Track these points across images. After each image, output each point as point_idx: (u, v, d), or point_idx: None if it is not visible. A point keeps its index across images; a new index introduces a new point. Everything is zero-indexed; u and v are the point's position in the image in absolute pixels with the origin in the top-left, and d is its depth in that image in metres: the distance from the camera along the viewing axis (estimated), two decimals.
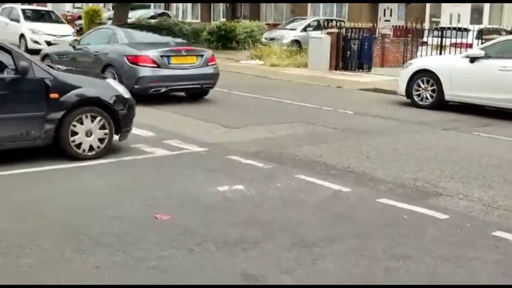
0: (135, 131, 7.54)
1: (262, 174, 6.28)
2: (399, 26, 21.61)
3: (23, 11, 22.27)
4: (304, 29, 24.06)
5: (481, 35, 16.05)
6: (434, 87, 11.16)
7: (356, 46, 17.41)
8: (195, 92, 11.71)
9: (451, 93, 10.99)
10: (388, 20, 27.21)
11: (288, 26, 25.38)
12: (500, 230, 4.79)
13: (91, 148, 6.68)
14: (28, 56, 6.60)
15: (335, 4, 29.22)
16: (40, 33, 20.83)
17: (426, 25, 21.52)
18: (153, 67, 10.68)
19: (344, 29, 18.19)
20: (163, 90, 10.90)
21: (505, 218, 5.12)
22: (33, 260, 3.98)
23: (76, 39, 13.18)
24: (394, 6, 27.77)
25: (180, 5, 36.21)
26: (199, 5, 34.98)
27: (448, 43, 15.90)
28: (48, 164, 6.35)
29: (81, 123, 6.62)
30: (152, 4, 37.29)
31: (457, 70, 10.95)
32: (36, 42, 20.41)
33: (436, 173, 6.50)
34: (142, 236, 4.42)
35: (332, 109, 10.95)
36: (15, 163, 6.28)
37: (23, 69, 6.23)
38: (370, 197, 5.62)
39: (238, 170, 6.40)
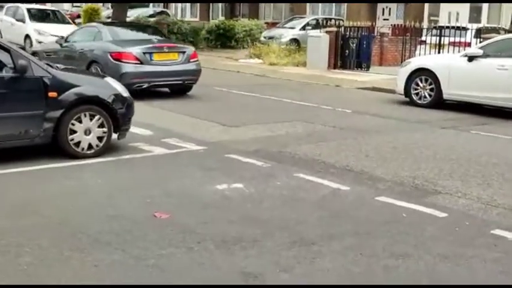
0: (133, 129, 7.54)
1: (262, 173, 6.28)
2: (398, 25, 21.62)
3: (29, 10, 21.67)
4: (303, 28, 24.07)
5: (479, 33, 16.05)
6: (433, 86, 11.16)
7: (355, 45, 17.42)
8: (178, 88, 12.00)
9: (449, 92, 11.00)
10: (387, 19, 27.22)
11: (286, 25, 25.39)
12: (499, 228, 4.80)
13: (90, 147, 6.68)
14: (27, 54, 6.61)
15: (334, 3, 29.23)
16: (46, 34, 20.49)
17: (425, 24, 21.57)
18: (135, 63, 11.04)
19: (343, 28, 18.17)
20: (145, 86, 11.13)
21: (503, 216, 5.12)
22: (32, 258, 3.98)
23: (62, 37, 13.40)
24: (393, 5, 27.79)
25: (179, 3, 36.18)
26: (198, 3, 34.97)
27: (446, 42, 15.90)
28: (46, 163, 6.35)
29: (80, 121, 6.61)
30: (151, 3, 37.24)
31: (455, 69, 10.95)
32: (41, 43, 20.26)
33: (435, 172, 6.51)
34: (141, 235, 4.42)
35: (331, 108, 10.95)
36: (14, 162, 6.27)
37: (22, 68, 6.23)
38: (369, 195, 5.62)
39: (237, 169, 6.40)
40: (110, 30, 12.36)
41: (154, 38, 12.43)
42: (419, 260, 4.14)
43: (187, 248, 4.21)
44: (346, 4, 28.55)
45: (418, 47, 16.90)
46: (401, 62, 14.66)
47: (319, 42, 17.49)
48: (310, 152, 7.28)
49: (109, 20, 22.51)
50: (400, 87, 11.72)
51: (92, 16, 26.38)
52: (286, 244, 4.33)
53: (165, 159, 6.83)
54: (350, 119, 9.96)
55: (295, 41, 23.14)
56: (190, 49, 12.21)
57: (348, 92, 13.80)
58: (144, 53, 11.15)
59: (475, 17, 24.38)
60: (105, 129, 6.76)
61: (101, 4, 31.46)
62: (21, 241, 4.23)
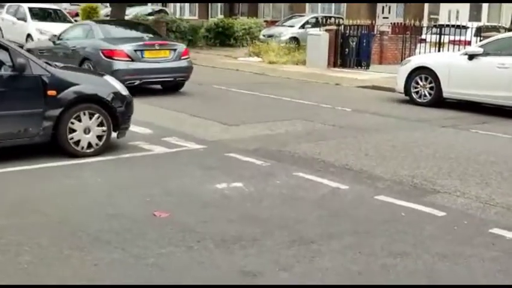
0: (133, 128, 7.54)
1: (261, 172, 6.28)
2: (398, 23, 21.61)
3: (30, 9, 21.42)
4: (303, 26, 24.05)
5: (479, 32, 16.04)
6: (433, 84, 11.16)
7: (354, 43, 17.40)
8: (170, 85, 12.14)
9: (449, 91, 11.00)
10: (387, 17, 27.19)
11: (286, 23, 25.36)
12: (498, 227, 4.80)
13: (89, 145, 6.68)
14: (25, 53, 6.60)
15: (333, 3, 29.21)
16: (47, 33, 20.40)
17: (425, 22, 21.53)
18: (127, 61, 11.22)
19: (342, 26, 18.16)
20: (137, 83, 11.26)
21: (502, 216, 5.13)
22: (32, 257, 3.98)
23: (55, 35, 13.58)
24: (393, 3, 27.75)
25: (178, 3, 36.16)
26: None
27: (446, 40, 15.89)
28: (46, 161, 6.35)
29: (79, 120, 6.62)
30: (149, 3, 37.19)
31: (455, 67, 10.95)
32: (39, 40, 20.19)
33: (434, 170, 6.52)
34: (141, 234, 4.43)
35: (330, 106, 10.95)
36: (14, 160, 6.27)
37: (20, 66, 6.23)
38: (368, 194, 5.63)
39: (237, 168, 6.41)
40: (102, 28, 12.57)
41: (145, 35, 12.60)
42: (417, 258, 4.15)
43: (187, 247, 4.22)
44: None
45: (418, 45, 16.88)
46: (401, 60, 14.66)
47: (319, 40, 17.48)
48: (309, 150, 7.28)
49: (108, 19, 22.49)
50: (400, 85, 11.72)
51: (90, 14, 26.35)
52: (285, 243, 4.34)
53: (165, 158, 6.83)
54: (350, 117, 9.96)
55: (294, 39, 23.12)
56: (181, 46, 12.38)
57: (347, 90, 13.80)
58: (135, 51, 11.35)
59: (475, 15, 24.37)
60: (104, 128, 6.77)
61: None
62: (20, 240, 4.23)
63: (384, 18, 27.07)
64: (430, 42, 16.25)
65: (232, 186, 5.70)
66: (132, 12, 28.68)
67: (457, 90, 10.87)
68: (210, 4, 34.45)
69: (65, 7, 36.87)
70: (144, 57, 11.43)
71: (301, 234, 4.53)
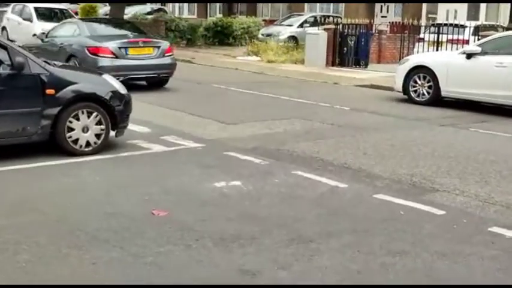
0: (131, 126, 7.53)
1: (260, 170, 6.28)
2: (396, 22, 21.62)
3: (36, 9, 21.08)
4: (301, 25, 24.06)
5: (477, 31, 16.06)
6: (431, 83, 11.16)
7: (353, 42, 17.40)
8: (154, 81, 12.43)
9: (447, 90, 11.00)
10: (385, 16, 27.22)
11: (284, 22, 25.37)
12: (497, 225, 4.80)
13: (88, 144, 6.67)
14: (24, 51, 6.58)
15: (332, 3, 29.22)
16: None
17: (423, 21, 21.54)
18: (111, 57, 11.59)
19: (341, 25, 18.16)
20: (121, 79, 11.32)
21: (501, 214, 5.13)
22: (30, 256, 3.97)
23: (43, 33, 13.94)
24: (391, 2, 27.76)
25: (177, 3, 36.15)
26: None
27: (444, 39, 15.90)
28: (44, 160, 6.34)
29: (78, 119, 6.60)
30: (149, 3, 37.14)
31: (453, 66, 10.95)
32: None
33: (433, 169, 6.51)
34: (139, 232, 4.42)
35: (329, 105, 10.95)
36: (12, 159, 6.26)
37: (19, 65, 6.22)
38: (366, 192, 5.62)
39: (236, 166, 6.40)
40: (88, 26, 12.99)
41: (130, 33, 12.89)
42: (416, 257, 4.14)
43: (186, 245, 4.21)
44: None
45: (416, 44, 16.89)
46: (400, 59, 14.66)
47: (317, 39, 17.48)
48: (308, 149, 7.28)
49: (94, 17, 22.55)
50: (399, 84, 11.73)
51: (89, 13, 26.34)
52: (284, 241, 4.33)
53: (163, 157, 6.83)
54: (348, 116, 9.96)
55: (293, 38, 23.13)
56: (165, 44, 12.68)
57: (346, 89, 13.80)
58: (119, 48, 11.69)
59: (473, 14, 24.40)
60: (103, 127, 6.76)
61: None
62: (19, 238, 4.22)
63: (382, 17, 27.09)
64: (428, 41, 16.27)
65: (231, 185, 5.70)
66: (131, 11, 28.67)
67: (455, 89, 10.88)
68: (209, 3, 34.43)
69: (64, 6, 36.77)
70: (129, 54, 11.78)
71: (300, 232, 4.52)
